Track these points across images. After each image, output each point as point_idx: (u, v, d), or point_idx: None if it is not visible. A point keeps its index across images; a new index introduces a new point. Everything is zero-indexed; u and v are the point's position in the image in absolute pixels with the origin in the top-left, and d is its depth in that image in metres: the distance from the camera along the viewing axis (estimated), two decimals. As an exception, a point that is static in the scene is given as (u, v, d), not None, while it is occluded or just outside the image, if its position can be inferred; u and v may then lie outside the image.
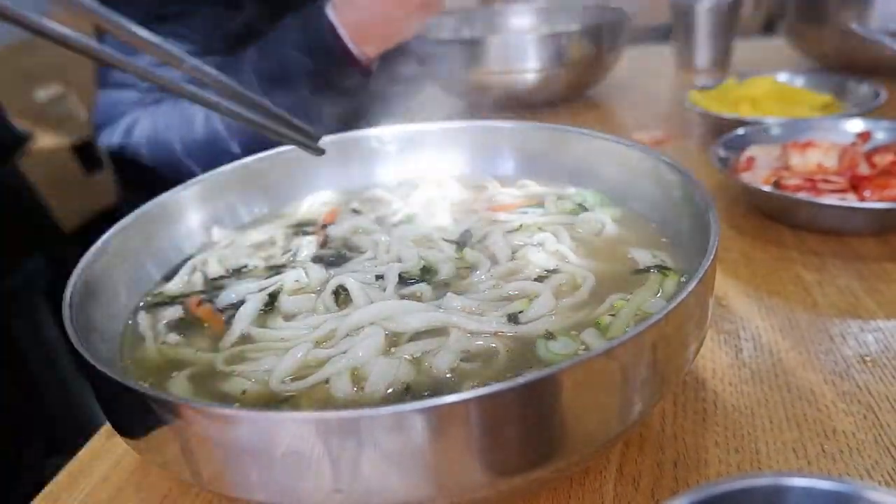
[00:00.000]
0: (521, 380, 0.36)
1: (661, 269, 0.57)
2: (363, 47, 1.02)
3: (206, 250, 0.69)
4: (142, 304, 0.62)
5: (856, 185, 0.84)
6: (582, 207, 0.70)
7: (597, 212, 0.69)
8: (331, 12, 1.00)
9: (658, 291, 0.55)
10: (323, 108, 1.02)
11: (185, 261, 0.68)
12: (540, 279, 0.58)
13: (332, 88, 1.04)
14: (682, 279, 0.56)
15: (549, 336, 0.51)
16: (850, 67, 1.28)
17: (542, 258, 0.61)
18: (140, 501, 0.54)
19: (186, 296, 0.62)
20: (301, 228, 0.73)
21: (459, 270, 0.62)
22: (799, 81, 1.26)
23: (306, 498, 0.39)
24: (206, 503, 0.53)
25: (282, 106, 0.56)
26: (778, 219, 0.87)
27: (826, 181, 0.84)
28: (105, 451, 0.60)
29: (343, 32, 1.00)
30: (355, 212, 0.76)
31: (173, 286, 0.64)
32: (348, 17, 1.00)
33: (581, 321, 0.53)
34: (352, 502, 0.39)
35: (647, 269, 0.58)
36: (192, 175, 0.71)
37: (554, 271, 0.59)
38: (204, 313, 0.59)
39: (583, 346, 0.50)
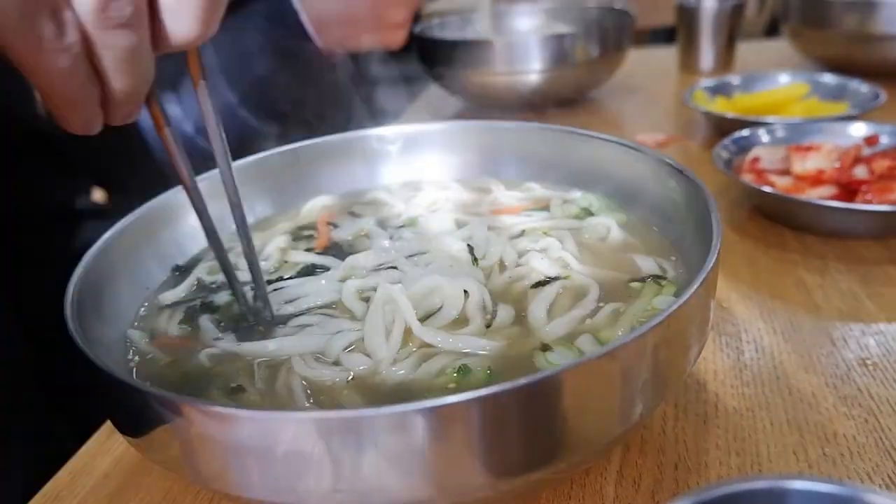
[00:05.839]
0: (522, 380, 0.36)
1: (657, 279, 0.57)
2: (323, 36, 1.04)
3: (207, 257, 0.69)
4: (141, 311, 0.61)
5: (854, 189, 0.83)
6: (587, 212, 0.70)
7: (602, 216, 0.68)
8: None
9: (649, 305, 0.55)
10: (284, 97, 1.02)
11: (186, 264, 0.67)
12: (541, 285, 0.58)
13: (291, 73, 1.05)
14: (673, 294, 0.56)
15: (546, 348, 0.50)
16: (851, 70, 1.28)
17: (544, 265, 0.60)
18: (140, 500, 0.54)
19: (186, 302, 0.61)
20: (301, 233, 0.72)
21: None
22: (800, 82, 1.26)
23: (306, 497, 0.39)
24: (206, 502, 0.53)
25: (241, 91, 0.54)
26: (780, 221, 0.87)
27: (812, 184, 0.84)
28: (105, 449, 0.60)
29: (304, 17, 1.02)
30: (355, 215, 0.75)
31: (172, 295, 0.63)
32: (313, 4, 1.03)
33: (579, 330, 0.53)
34: (352, 502, 0.39)
35: (642, 280, 0.57)
36: None
37: (556, 278, 0.59)
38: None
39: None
